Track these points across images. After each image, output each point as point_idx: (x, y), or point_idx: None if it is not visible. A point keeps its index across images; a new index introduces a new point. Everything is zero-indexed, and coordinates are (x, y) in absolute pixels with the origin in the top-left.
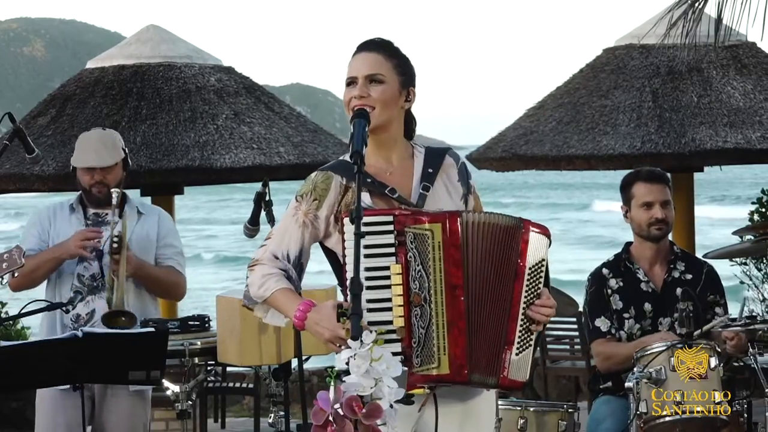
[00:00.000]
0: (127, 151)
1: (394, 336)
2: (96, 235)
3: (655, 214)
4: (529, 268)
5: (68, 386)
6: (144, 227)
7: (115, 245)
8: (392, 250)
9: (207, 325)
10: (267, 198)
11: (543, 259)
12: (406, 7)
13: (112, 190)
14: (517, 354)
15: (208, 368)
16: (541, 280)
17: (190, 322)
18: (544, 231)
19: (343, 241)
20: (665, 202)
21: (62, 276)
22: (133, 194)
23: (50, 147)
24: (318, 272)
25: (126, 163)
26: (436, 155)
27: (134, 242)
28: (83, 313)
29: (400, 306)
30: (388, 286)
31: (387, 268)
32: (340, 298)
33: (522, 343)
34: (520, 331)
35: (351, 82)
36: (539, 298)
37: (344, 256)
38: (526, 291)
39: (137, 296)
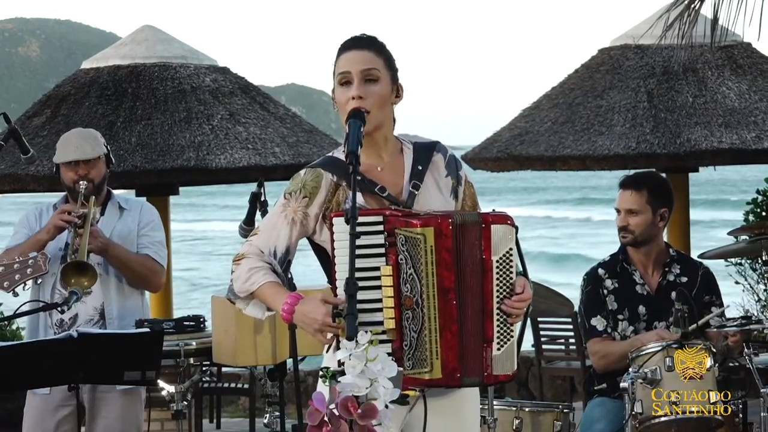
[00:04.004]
0: (109, 148)
1: (384, 337)
2: (73, 208)
3: (618, 222)
4: (497, 262)
5: (48, 390)
6: (126, 224)
7: (78, 221)
8: (382, 251)
9: (202, 325)
10: (262, 198)
11: (510, 249)
12: (401, 6)
13: (80, 182)
14: (498, 349)
15: (204, 369)
16: (512, 270)
17: (186, 323)
18: (506, 220)
19: (333, 241)
20: (630, 211)
21: (44, 276)
22: (129, 194)
23: (45, 147)
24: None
25: (109, 159)
26: (425, 151)
27: (115, 239)
28: (66, 318)
29: (390, 308)
30: (378, 287)
31: (377, 268)
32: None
33: (502, 338)
34: (498, 326)
35: (346, 80)
36: (512, 288)
37: (334, 256)
38: (497, 285)
39: (118, 291)
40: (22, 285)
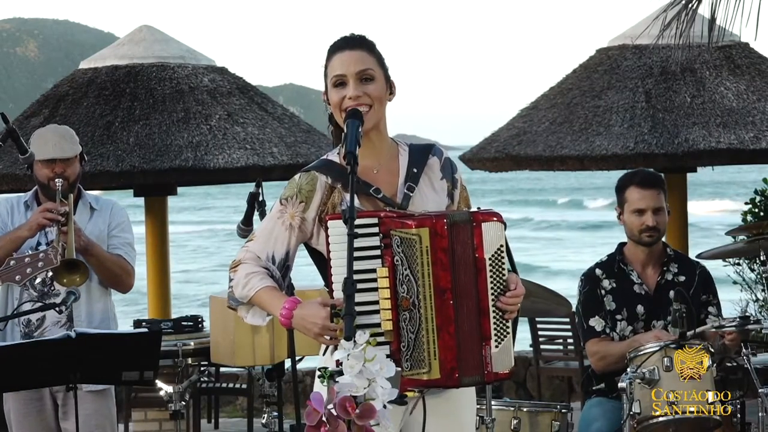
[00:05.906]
0: (82, 146)
1: (381, 339)
2: (56, 206)
3: (646, 221)
4: (489, 259)
5: (29, 393)
6: (97, 224)
7: (62, 219)
8: (378, 252)
9: (200, 325)
10: (260, 198)
11: (501, 246)
12: (399, 6)
13: (56, 179)
14: (496, 346)
15: (202, 369)
16: (504, 267)
17: (184, 323)
18: (495, 217)
19: (328, 244)
20: (657, 209)
21: None
22: (127, 195)
23: None
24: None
25: (82, 157)
26: (420, 153)
27: None
28: (34, 319)
29: (387, 309)
30: (375, 289)
31: (373, 270)
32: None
33: (499, 335)
34: (495, 324)
35: (340, 82)
36: (506, 285)
37: (330, 259)
38: (491, 282)
39: (87, 293)
40: (33, 278)
